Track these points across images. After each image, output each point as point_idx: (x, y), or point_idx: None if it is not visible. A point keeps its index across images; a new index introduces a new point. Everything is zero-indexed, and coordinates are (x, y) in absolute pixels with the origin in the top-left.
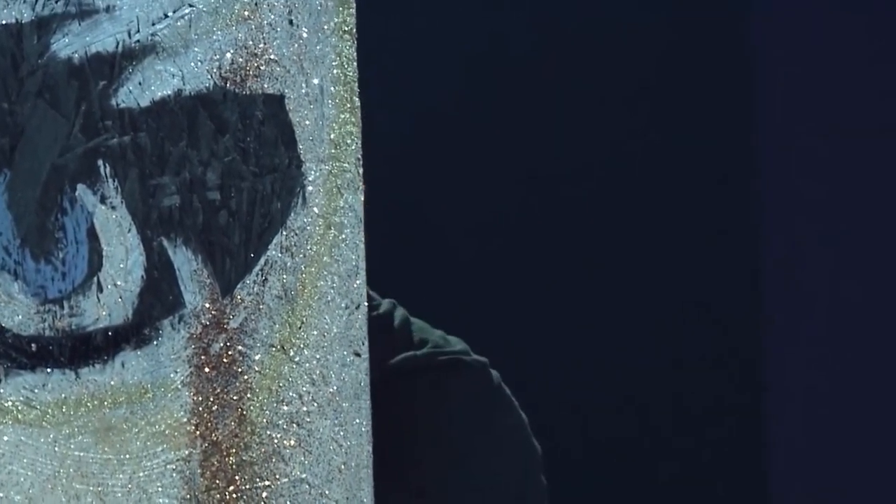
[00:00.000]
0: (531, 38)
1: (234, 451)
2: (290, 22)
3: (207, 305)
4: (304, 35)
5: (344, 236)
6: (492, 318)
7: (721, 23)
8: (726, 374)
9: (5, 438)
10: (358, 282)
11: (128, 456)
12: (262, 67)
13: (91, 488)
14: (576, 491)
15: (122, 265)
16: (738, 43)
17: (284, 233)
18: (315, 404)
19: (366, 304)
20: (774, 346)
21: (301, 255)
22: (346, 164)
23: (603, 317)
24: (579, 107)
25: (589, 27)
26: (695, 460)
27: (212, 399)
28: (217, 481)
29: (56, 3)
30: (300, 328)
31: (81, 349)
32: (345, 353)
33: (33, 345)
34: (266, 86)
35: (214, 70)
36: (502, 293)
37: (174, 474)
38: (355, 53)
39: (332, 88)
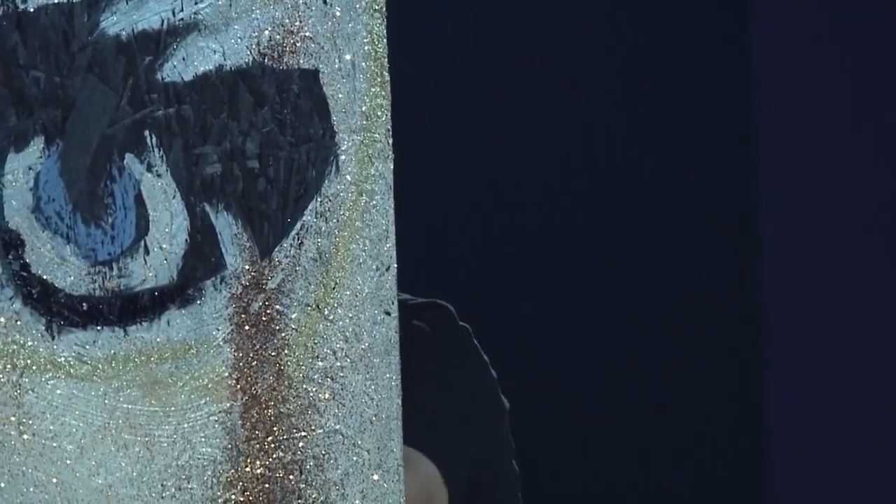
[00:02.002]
0: (525, 34)
1: (272, 403)
2: (325, 1)
3: (247, 267)
4: (338, 13)
5: (374, 202)
6: (490, 311)
7: (721, 22)
8: (725, 357)
9: (59, 392)
10: (388, 245)
11: (173, 408)
12: (297, 44)
13: (139, 438)
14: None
15: (167, 229)
16: (737, 41)
17: (319, 199)
18: (348, 360)
19: (395, 265)
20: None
21: (335, 220)
22: (377, 135)
23: (603, 311)
24: (576, 105)
25: (584, 23)
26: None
27: (251, 355)
28: (257, 432)
29: None
30: (334, 288)
31: (129, 308)
32: (375, 311)
33: (84, 304)
34: (302, 61)
35: (253, 46)
36: (497, 289)
37: (216, 425)
38: (385, 31)
39: (364, 64)
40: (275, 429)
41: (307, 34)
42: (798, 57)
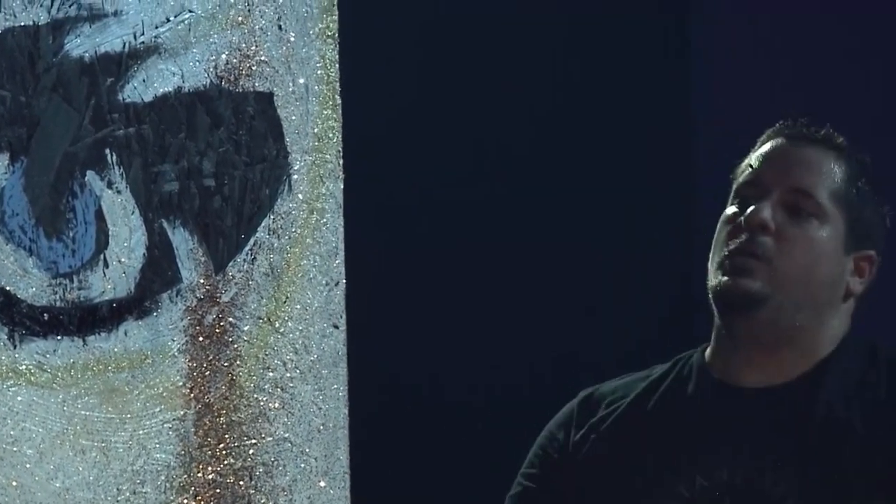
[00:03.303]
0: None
1: (224, 412)
2: (280, 27)
3: (202, 281)
4: (292, 39)
5: (325, 220)
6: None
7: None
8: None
9: (19, 398)
10: (337, 261)
11: (129, 415)
12: (253, 68)
13: (96, 444)
14: None
15: (125, 244)
16: (678, 41)
17: (272, 216)
18: (297, 371)
19: (344, 281)
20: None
21: (286, 237)
22: (328, 156)
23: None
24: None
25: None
26: None
27: (205, 365)
28: (209, 439)
29: (69, 6)
30: (285, 302)
31: (88, 319)
32: (325, 325)
33: (45, 314)
34: (257, 84)
35: (211, 69)
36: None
37: (170, 432)
38: (337, 56)
39: (316, 87)
40: (226, 436)
41: (263, 58)
42: (736, 59)
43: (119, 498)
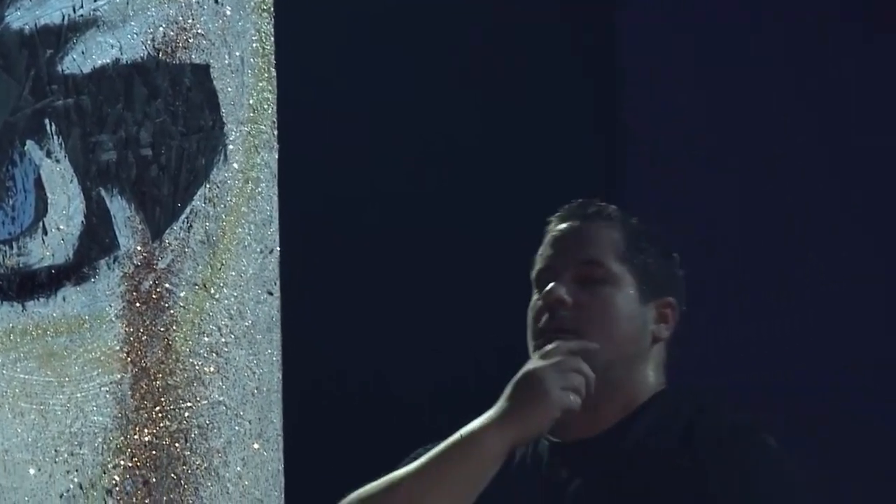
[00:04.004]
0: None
1: (160, 375)
2: (216, 0)
3: (139, 248)
4: (228, 12)
5: (260, 189)
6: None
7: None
8: None
9: None
10: (272, 229)
11: (67, 379)
12: (190, 40)
13: (34, 407)
14: None
15: (64, 212)
16: (607, 53)
17: (208, 185)
18: (232, 336)
19: (278, 248)
20: None
21: (222, 206)
22: (263, 127)
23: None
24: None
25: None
26: None
27: (142, 330)
28: (145, 402)
29: None
30: (220, 269)
31: (28, 285)
32: (259, 291)
33: None
34: (194, 56)
35: (148, 42)
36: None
37: (108, 395)
38: (272, 29)
39: (252, 60)
40: (162, 399)
41: (199, 31)
42: (666, 63)
43: (57, 459)
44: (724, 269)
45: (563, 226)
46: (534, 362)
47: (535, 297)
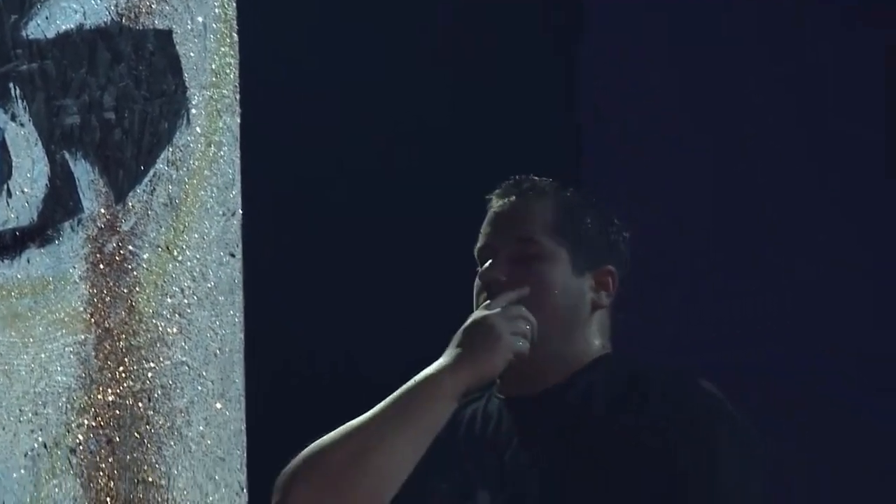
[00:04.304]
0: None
1: (123, 336)
2: None
3: (103, 211)
4: None
5: (222, 153)
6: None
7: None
8: None
9: None
10: (234, 192)
11: (31, 340)
12: (153, 6)
13: None
14: None
15: (28, 175)
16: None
17: (171, 149)
18: (195, 297)
19: (241, 211)
20: None
21: (185, 169)
22: (225, 91)
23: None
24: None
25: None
26: None
27: (105, 292)
28: (109, 362)
29: None
30: (183, 231)
31: None
32: (221, 253)
33: None
34: (157, 22)
35: (112, 7)
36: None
37: (72, 356)
38: None
39: (214, 25)
40: (126, 360)
41: None
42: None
43: (21, 419)
44: (697, 249)
45: (499, 203)
46: (480, 312)
47: (477, 278)
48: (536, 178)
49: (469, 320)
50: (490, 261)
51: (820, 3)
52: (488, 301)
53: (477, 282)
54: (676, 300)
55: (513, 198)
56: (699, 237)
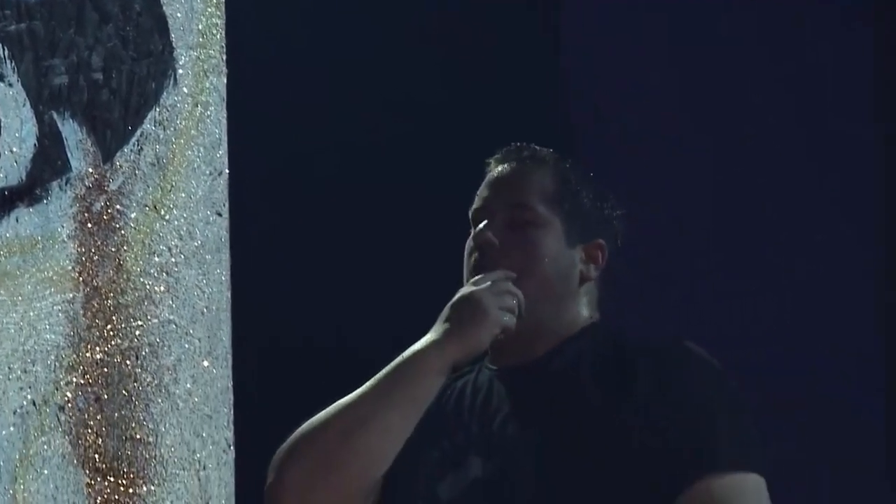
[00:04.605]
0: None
1: (111, 295)
2: None
3: (91, 170)
4: None
5: (209, 113)
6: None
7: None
8: None
9: None
10: (220, 152)
11: (20, 298)
12: None
13: None
14: None
15: (17, 134)
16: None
17: (158, 109)
18: (182, 256)
19: (227, 171)
20: None
21: (172, 129)
22: (212, 51)
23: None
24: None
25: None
26: None
27: (93, 250)
28: (97, 320)
29: None
30: (170, 191)
31: None
32: (208, 212)
33: None
34: None
35: None
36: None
37: (60, 314)
38: None
39: None
40: (114, 318)
41: None
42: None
43: (11, 376)
44: (697, 249)
45: (499, 168)
46: (468, 287)
47: (469, 239)
48: (537, 146)
49: (457, 295)
50: (485, 222)
51: (820, 3)
52: (478, 276)
53: (469, 242)
54: (676, 300)
55: (512, 163)
56: (699, 237)
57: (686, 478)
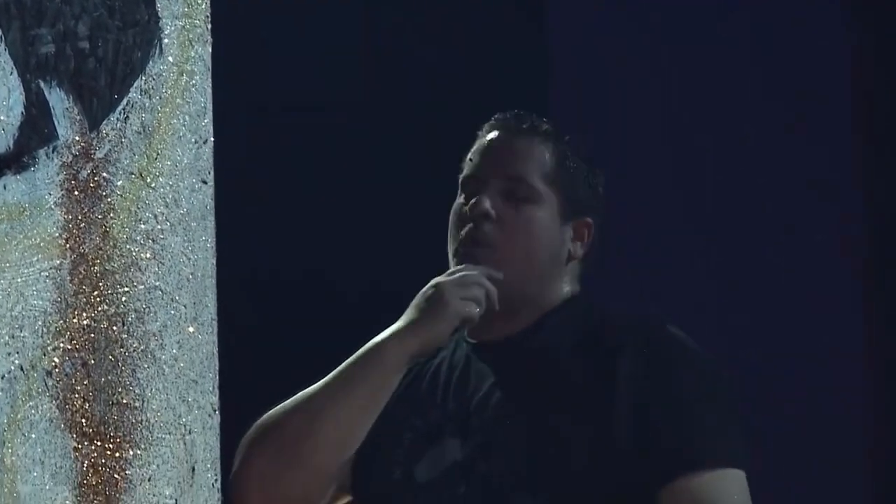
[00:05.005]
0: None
1: (98, 261)
2: None
3: (77, 138)
4: None
5: (194, 82)
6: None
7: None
8: None
9: None
10: (206, 121)
11: (7, 264)
12: None
13: None
14: None
15: (4, 103)
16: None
17: (144, 78)
18: (168, 223)
19: (212, 139)
20: None
21: (157, 97)
22: (197, 21)
23: None
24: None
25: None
26: None
27: (80, 217)
28: (84, 287)
29: None
30: (156, 159)
31: None
32: (194, 180)
33: None
34: None
35: None
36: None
37: (47, 280)
38: None
39: None
40: (100, 284)
41: None
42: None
43: None
44: (697, 249)
45: (495, 135)
46: (439, 277)
47: (459, 198)
48: (536, 116)
49: (427, 285)
50: (480, 194)
51: (820, 4)
52: (461, 267)
53: (456, 208)
54: (676, 300)
55: (510, 133)
56: (699, 237)
57: (667, 474)
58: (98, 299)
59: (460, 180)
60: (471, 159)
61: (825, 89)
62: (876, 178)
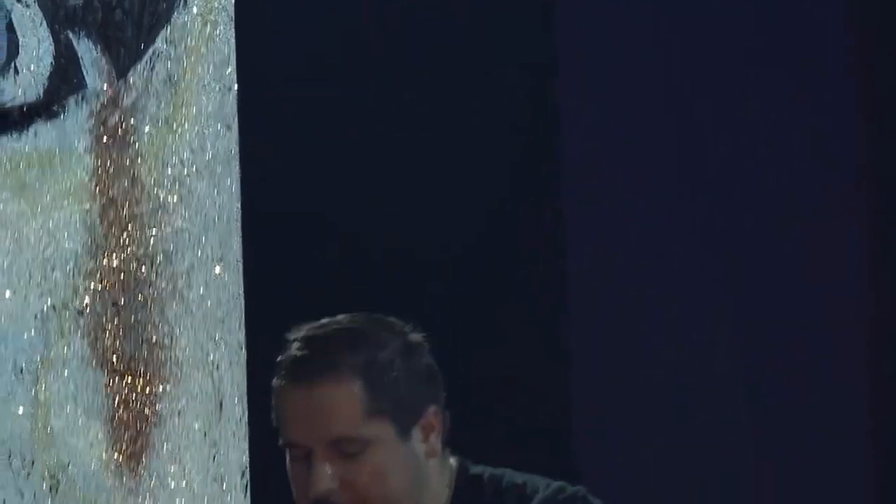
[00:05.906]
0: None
1: (126, 205)
2: None
3: (105, 87)
4: None
5: (218, 32)
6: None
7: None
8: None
9: None
10: (229, 69)
11: (40, 208)
12: None
13: (9, 234)
14: None
15: (35, 53)
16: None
17: (169, 28)
18: (194, 168)
19: (236, 87)
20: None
21: (183, 47)
22: None
23: None
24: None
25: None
26: None
27: (108, 163)
28: (113, 229)
29: None
30: (181, 106)
31: (1, 121)
32: (219, 126)
33: None
34: None
35: None
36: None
37: (78, 223)
38: None
39: None
40: (129, 227)
41: None
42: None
43: (31, 283)
44: (697, 248)
45: (294, 392)
46: None
47: (288, 457)
48: (331, 329)
49: None
50: (311, 466)
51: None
52: None
53: (297, 472)
54: (676, 301)
55: (309, 386)
56: (699, 237)
57: None
58: (127, 241)
59: (280, 442)
60: (283, 422)
61: (827, 61)
62: (880, 150)
